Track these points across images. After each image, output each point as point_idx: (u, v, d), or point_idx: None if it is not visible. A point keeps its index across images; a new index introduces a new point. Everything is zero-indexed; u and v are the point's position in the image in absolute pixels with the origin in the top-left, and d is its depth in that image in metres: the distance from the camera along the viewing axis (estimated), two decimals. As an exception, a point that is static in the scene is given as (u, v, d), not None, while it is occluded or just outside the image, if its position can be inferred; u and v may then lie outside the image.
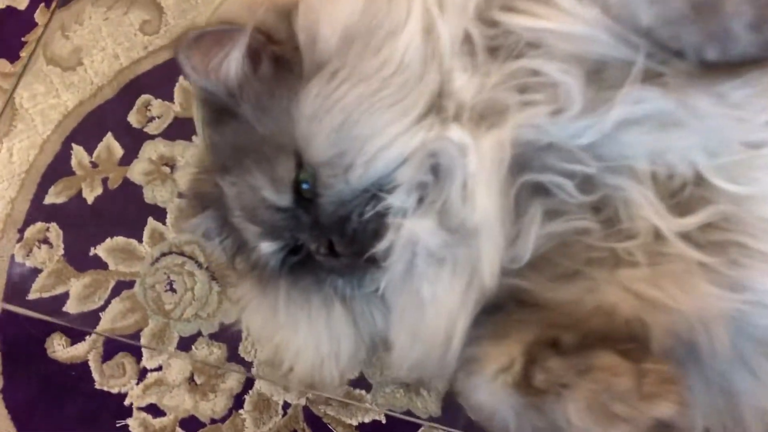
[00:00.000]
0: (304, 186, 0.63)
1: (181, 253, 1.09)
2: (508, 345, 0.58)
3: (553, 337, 0.56)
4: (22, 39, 1.27)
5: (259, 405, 1.00)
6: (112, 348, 1.06)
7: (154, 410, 1.02)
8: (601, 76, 0.56)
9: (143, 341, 1.05)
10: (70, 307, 1.08)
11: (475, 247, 0.59)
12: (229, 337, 1.03)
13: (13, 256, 1.12)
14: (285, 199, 0.65)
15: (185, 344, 1.04)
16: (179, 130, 1.15)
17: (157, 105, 1.18)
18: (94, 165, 1.16)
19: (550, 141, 0.57)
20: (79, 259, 1.11)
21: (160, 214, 1.11)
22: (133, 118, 1.18)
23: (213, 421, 1.00)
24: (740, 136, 0.56)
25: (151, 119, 1.17)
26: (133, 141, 1.16)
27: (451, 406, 0.94)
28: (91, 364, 1.06)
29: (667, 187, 0.59)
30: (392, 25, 0.60)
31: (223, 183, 0.68)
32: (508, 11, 0.58)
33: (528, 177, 0.58)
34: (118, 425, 1.02)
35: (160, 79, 1.19)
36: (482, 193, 0.57)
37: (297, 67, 0.63)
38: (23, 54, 1.25)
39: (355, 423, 0.97)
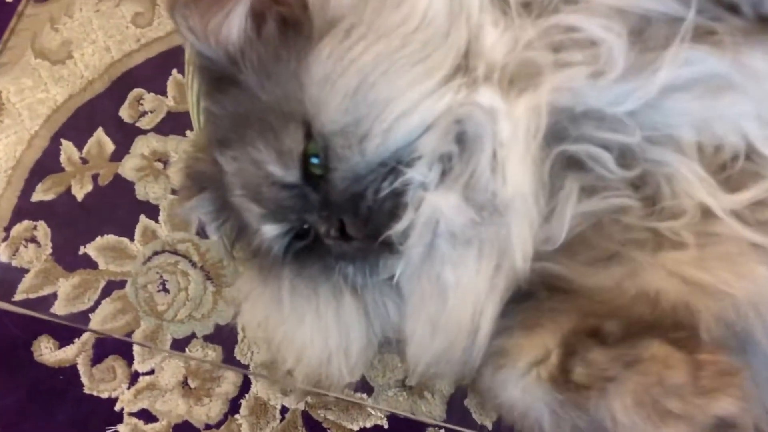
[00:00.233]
0: (314, 160, 0.59)
1: (175, 252, 1.07)
2: (542, 335, 0.55)
3: (594, 326, 0.52)
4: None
5: (256, 409, 0.98)
6: (102, 351, 1.04)
7: (146, 416, 1.01)
8: (645, 35, 0.53)
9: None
10: (59, 308, 1.06)
11: (505, 225, 0.55)
12: (224, 338, 1.01)
13: (-2, 256, 1.11)
14: (292, 175, 0.60)
15: (179, 346, 1.02)
16: (172, 124, 1.15)
17: (149, 99, 1.17)
18: (84, 161, 1.15)
19: (588, 107, 0.53)
20: (68, 258, 1.09)
21: (152, 211, 1.10)
22: (125, 113, 1.17)
23: (208, 427, 0.99)
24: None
25: (143, 114, 1.16)
26: (125, 136, 1.15)
27: (457, 410, 0.94)
28: (80, 367, 1.04)
29: (714, 161, 0.55)
30: None
31: (223, 159, 0.64)
32: None
33: (563, 147, 0.55)
34: None
35: (152, 73, 1.19)
36: (514, 164, 0.53)
37: (306, 27, 0.59)
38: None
39: (356, 428, 0.96)
